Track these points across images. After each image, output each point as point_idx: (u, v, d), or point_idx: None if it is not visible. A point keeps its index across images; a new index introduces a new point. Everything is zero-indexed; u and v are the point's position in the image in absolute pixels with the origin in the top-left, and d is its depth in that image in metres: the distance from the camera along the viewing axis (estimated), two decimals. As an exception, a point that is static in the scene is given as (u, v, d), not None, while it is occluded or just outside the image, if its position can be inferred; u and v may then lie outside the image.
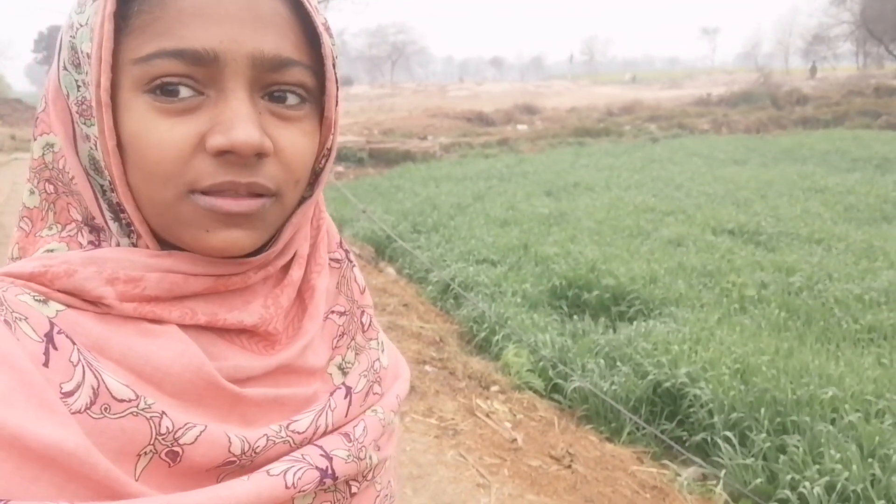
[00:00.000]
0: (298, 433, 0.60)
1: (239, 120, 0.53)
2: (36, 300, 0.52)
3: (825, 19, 58.14)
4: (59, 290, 0.53)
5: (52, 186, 0.60)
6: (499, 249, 7.75)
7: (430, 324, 5.45)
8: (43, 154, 0.60)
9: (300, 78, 0.57)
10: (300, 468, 0.57)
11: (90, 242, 0.59)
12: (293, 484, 0.56)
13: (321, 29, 0.58)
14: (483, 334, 5.46)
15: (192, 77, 0.53)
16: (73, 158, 0.58)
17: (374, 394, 0.70)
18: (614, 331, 5.46)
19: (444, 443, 3.40)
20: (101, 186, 0.57)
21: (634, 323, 5.53)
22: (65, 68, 0.57)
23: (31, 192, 0.62)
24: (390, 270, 7.57)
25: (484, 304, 5.86)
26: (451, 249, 7.93)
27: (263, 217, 0.57)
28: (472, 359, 4.82)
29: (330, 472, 0.59)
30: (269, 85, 0.56)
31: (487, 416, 3.77)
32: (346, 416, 0.65)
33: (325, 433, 0.62)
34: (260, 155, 0.54)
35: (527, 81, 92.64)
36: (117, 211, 0.57)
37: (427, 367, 4.28)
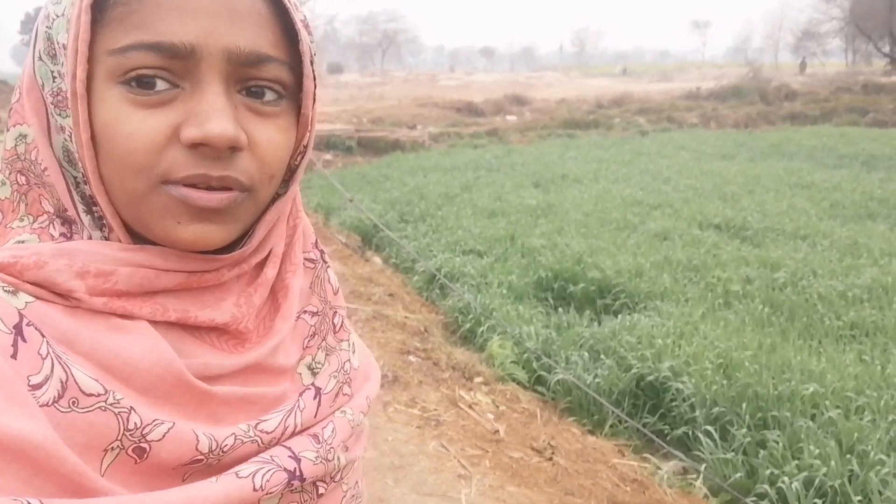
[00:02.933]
0: (267, 433, 0.59)
1: (214, 113, 0.53)
2: (5, 291, 0.52)
3: (815, 15, 58.49)
4: (28, 282, 0.53)
5: (24, 178, 0.59)
6: (485, 240, 7.75)
7: (415, 314, 5.45)
8: (16, 145, 0.59)
9: (277, 74, 0.57)
10: (269, 469, 0.57)
11: (62, 234, 0.58)
12: (261, 486, 0.56)
13: (299, 26, 0.57)
14: (468, 325, 5.47)
15: (167, 70, 0.53)
16: (46, 150, 0.57)
17: (344, 395, 0.70)
18: (599, 324, 5.48)
19: (426, 433, 3.40)
20: (75, 178, 0.57)
21: (619, 316, 5.55)
22: (40, 59, 0.57)
23: (3, 183, 0.61)
24: (377, 260, 7.56)
25: (469, 295, 5.86)
26: (438, 240, 7.93)
27: (235, 212, 0.57)
28: (456, 350, 4.82)
29: (298, 473, 0.59)
30: (245, 80, 0.56)
31: (470, 407, 3.77)
32: (315, 416, 0.65)
33: (293, 434, 0.62)
34: (234, 148, 0.54)
35: (517, 72, 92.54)
36: (90, 203, 0.57)
37: (411, 358, 4.28)
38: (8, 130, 0.60)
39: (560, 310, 5.87)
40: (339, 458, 0.65)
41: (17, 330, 0.49)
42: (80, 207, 0.57)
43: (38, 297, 0.53)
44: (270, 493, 0.56)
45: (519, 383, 4.53)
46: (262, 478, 0.56)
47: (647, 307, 5.72)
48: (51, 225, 0.59)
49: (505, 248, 7.49)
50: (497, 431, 3.54)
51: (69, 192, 0.57)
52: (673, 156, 15.44)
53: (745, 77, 36.26)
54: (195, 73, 0.53)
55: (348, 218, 9.03)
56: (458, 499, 2.92)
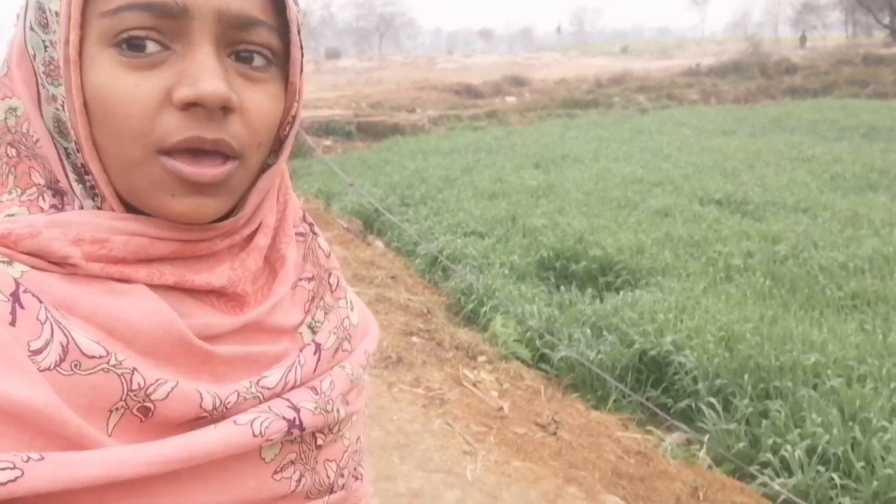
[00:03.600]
0: (268, 388, 0.60)
1: (205, 72, 0.54)
2: (1, 262, 0.52)
3: (815, -12, 57.84)
4: (23, 252, 0.53)
5: (14, 150, 0.60)
6: (487, 222, 7.76)
7: (417, 296, 5.47)
8: (5, 118, 0.60)
9: (266, 39, 0.58)
10: (267, 418, 0.58)
11: (52, 206, 0.58)
12: (260, 433, 0.57)
13: None
14: (471, 306, 5.49)
15: (158, 30, 0.54)
16: (37, 121, 0.58)
17: (344, 350, 0.71)
18: (601, 301, 5.50)
19: (430, 412, 3.43)
20: (66, 149, 0.57)
21: (621, 293, 5.57)
22: (31, 28, 0.57)
23: None
24: (378, 244, 7.58)
25: (472, 276, 5.88)
26: (440, 222, 7.94)
27: (228, 184, 0.58)
28: (459, 330, 4.85)
29: (297, 422, 0.60)
30: (235, 43, 0.57)
31: (474, 385, 3.81)
32: (314, 371, 0.66)
33: (293, 388, 0.63)
34: (226, 109, 0.55)
35: (516, 53, 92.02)
36: (82, 173, 0.57)
37: (414, 339, 4.30)
38: None
39: (562, 288, 5.89)
40: (338, 410, 0.66)
41: (15, 297, 0.50)
42: (72, 178, 0.58)
43: (33, 267, 0.53)
44: (270, 439, 0.58)
45: (522, 361, 4.56)
46: (261, 425, 0.57)
47: (649, 283, 5.74)
48: (40, 197, 0.59)
49: (506, 229, 7.50)
50: (501, 408, 3.57)
51: (61, 162, 0.58)
52: (673, 133, 15.39)
53: (744, 52, 35.97)
54: (186, 33, 0.54)
55: (349, 203, 9.03)
56: (464, 474, 2.95)
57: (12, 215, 0.58)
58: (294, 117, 0.64)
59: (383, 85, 29.42)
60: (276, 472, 0.61)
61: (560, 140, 14.73)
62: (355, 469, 0.75)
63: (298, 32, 0.60)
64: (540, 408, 3.71)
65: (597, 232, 6.98)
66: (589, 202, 8.54)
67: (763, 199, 8.46)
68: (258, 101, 0.58)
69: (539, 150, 13.21)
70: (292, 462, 0.63)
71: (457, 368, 3.97)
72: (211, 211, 0.57)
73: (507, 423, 3.44)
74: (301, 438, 0.64)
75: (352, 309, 0.76)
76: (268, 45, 0.58)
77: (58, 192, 0.59)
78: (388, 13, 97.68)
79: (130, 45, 0.53)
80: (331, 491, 0.68)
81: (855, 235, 6.77)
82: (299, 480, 0.63)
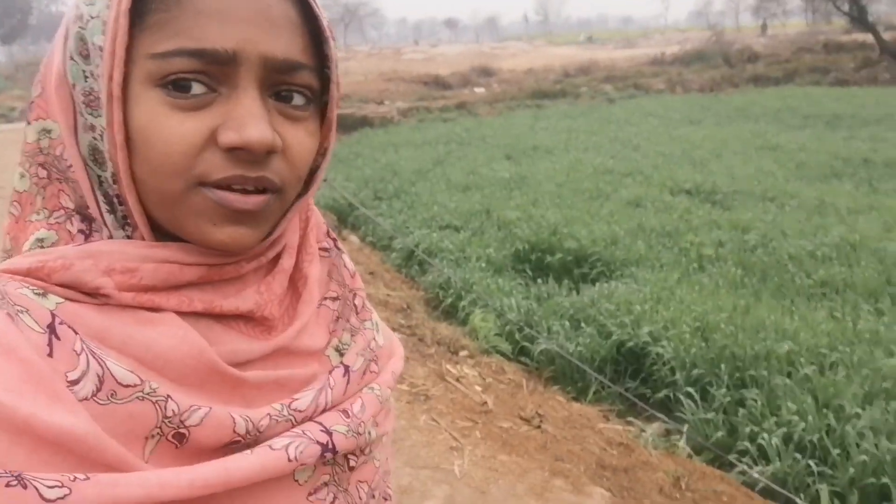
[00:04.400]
0: (300, 411, 0.62)
1: (252, 118, 0.55)
2: (35, 294, 0.53)
3: (775, -24, 58.61)
4: (56, 284, 0.54)
5: (44, 171, 0.60)
6: (461, 215, 7.78)
7: (396, 291, 5.49)
8: (38, 139, 0.60)
9: (308, 80, 0.59)
10: (301, 443, 0.59)
11: (80, 231, 0.59)
12: (295, 457, 0.58)
13: (328, 33, 0.60)
14: (449, 300, 5.52)
15: (205, 74, 0.55)
16: (73, 147, 0.58)
17: (371, 372, 0.73)
18: (578, 293, 5.56)
19: (416, 408, 3.46)
20: (99, 178, 0.58)
21: (597, 284, 5.64)
22: (72, 58, 0.57)
23: (22, 176, 0.62)
24: (354, 238, 7.56)
25: (449, 270, 5.90)
26: (414, 216, 7.94)
27: (267, 214, 0.59)
28: (439, 325, 4.88)
29: (331, 446, 0.62)
30: (277, 84, 0.58)
31: (457, 380, 3.84)
32: (344, 393, 0.67)
33: (324, 411, 0.64)
34: (269, 152, 0.56)
35: (482, 43, 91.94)
36: (114, 203, 0.58)
37: (396, 335, 4.32)
38: (29, 124, 0.61)
39: (539, 281, 5.94)
40: (369, 433, 0.67)
41: (51, 329, 0.51)
42: (104, 207, 0.58)
43: (67, 298, 0.54)
44: (304, 463, 0.59)
45: (503, 355, 4.60)
46: (296, 449, 0.58)
47: (624, 274, 5.82)
48: (68, 221, 0.60)
49: (481, 222, 7.53)
50: (485, 403, 3.61)
51: (92, 190, 0.59)
52: (641, 123, 15.54)
53: (708, 41, 36.41)
54: (233, 78, 0.55)
55: (322, 197, 8.99)
56: (452, 470, 2.98)
57: (41, 239, 0.59)
58: (327, 150, 0.66)
59: (350, 77, 29.23)
60: (310, 494, 0.62)
61: (530, 131, 14.80)
62: (385, 490, 0.77)
63: (336, 68, 0.62)
64: (523, 401, 3.75)
65: (570, 224, 7.04)
66: (561, 193, 8.61)
67: (731, 189, 8.60)
68: (299, 139, 0.59)
69: (510, 141, 13.26)
70: (325, 484, 0.64)
71: (439, 364, 4.00)
72: (250, 240, 0.58)
73: (492, 417, 3.48)
74: (334, 461, 0.65)
75: (377, 330, 0.78)
76: (308, 86, 0.59)
77: (86, 218, 0.60)
78: (352, 3, 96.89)
79: (176, 85, 0.54)
80: None
81: (822, 224, 6.93)
82: (332, 502, 0.64)
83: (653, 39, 64.80)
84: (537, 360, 4.59)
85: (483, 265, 6.17)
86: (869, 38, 28.77)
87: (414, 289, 5.95)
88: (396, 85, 24.06)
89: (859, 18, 28.91)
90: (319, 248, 0.74)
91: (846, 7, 30.28)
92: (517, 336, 4.85)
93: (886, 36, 28.70)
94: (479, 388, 3.81)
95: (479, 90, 24.63)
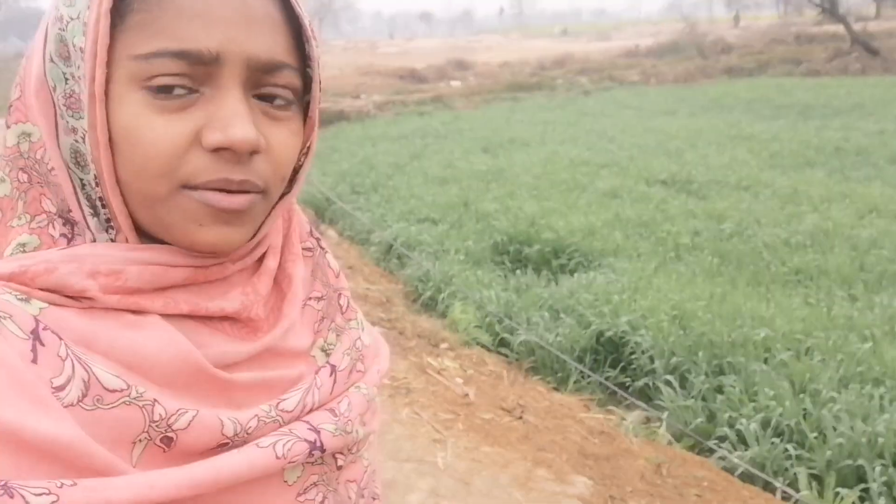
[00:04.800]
0: (287, 412, 0.61)
1: (236, 118, 0.54)
2: (18, 299, 0.52)
3: (747, -32, 59.09)
4: (40, 289, 0.53)
5: (25, 175, 0.59)
6: (439, 208, 7.78)
7: (375, 285, 5.48)
8: (18, 143, 0.59)
9: (290, 80, 0.59)
10: (289, 440, 0.59)
11: (62, 235, 0.58)
12: (283, 455, 0.58)
13: (310, 33, 0.59)
14: (429, 293, 5.52)
15: (189, 76, 0.54)
16: (54, 150, 0.58)
17: (358, 371, 0.72)
18: (556, 283, 5.58)
19: (397, 401, 3.46)
20: (81, 180, 0.57)
21: (575, 275, 5.66)
22: (52, 60, 0.57)
23: (2, 181, 0.61)
24: (332, 233, 7.53)
25: (428, 263, 5.90)
26: (392, 209, 7.92)
27: (252, 214, 0.59)
28: (419, 318, 4.88)
29: (318, 444, 0.61)
30: (260, 85, 0.57)
31: (439, 373, 3.84)
32: (331, 393, 0.67)
33: (311, 410, 0.64)
34: (253, 152, 0.56)
35: (457, 36, 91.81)
36: (98, 206, 0.57)
37: (376, 328, 4.31)
38: (9, 128, 0.60)
39: (518, 272, 5.96)
40: (357, 431, 0.67)
41: (35, 335, 0.50)
42: (87, 210, 0.58)
43: (50, 303, 0.53)
44: (292, 461, 0.59)
45: (484, 347, 4.62)
46: (284, 447, 0.58)
47: (602, 265, 5.85)
48: (50, 225, 0.59)
49: (459, 215, 7.53)
50: (467, 395, 3.62)
51: (75, 193, 0.58)
52: (616, 114, 15.63)
53: (681, 33, 36.68)
54: (216, 78, 0.55)
55: (299, 192, 8.92)
56: (435, 462, 2.99)
57: (23, 244, 0.58)
58: (309, 148, 0.65)
59: (326, 70, 28.85)
60: (299, 495, 0.62)
61: (507, 124, 14.82)
62: (373, 489, 0.77)
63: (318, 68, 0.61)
64: (504, 392, 3.77)
65: (548, 215, 7.07)
66: (539, 185, 8.63)
67: (706, 179, 8.68)
68: (282, 138, 0.59)
69: (486, 134, 13.27)
70: (315, 484, 0.64)
71: (420, 357, 4.00)
72: (237, 239, 0.58)
73: (474, 409, 3.49)
74: (322, 460, 0.65)
75: (363, 329, 0.77)
76: (291, 86, 0.59)
77: (68, 222, 0.59)
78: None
79: (160, 87, 0.54)
80: None
81: (795, 212, 7.02)
82: (322, 502, 0.64)
83: (627, 32, 65.17)
84: (517, 352, 4.61)
85: (462, 258, 6.17)
86: (840, 29, 29.13)
87: (393, 282, 5.95)
88: (372, 79, 23.98)
89: (830, 10, 29.25)
90: (303, 248, 0.73)
91: (817, -1, 30.67)
92: (497, 328, 4.86)
93: (857, 27, 29.08)
94: (460, 381, 3.82)
95: (455, 83, 24.62)
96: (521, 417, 3.47)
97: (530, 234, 6.55)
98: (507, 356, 4.60)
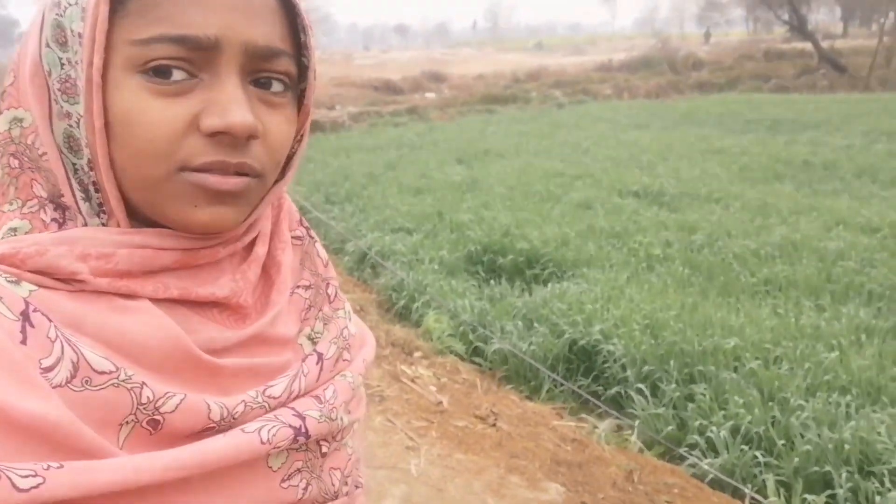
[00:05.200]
0: (274, 398, 0.62)
1: (234, 103, 0.55)
2: (8, 281, 0.53)
3: (718, -15, 60.14)
4: (30, 271, 0.54)
5: (16, 161, 0.60)
6: (414, 218, 7.78)
7: (349, 294, 5.46)
8: (10, 128, 0.60)
9: (286, 67, 0.60)
10: (274, 426, 0.60)
11: (53, 220, 0.59)
12: (268, 440, 0.59)
13: (306, 23, 0.61)
14: (403, 302, 5.51)
15: (187, 60, 0.55)
16: (47, 135, 0.58)
17: (344, 360, 0.73)
18: (530, 293, 5.60)
19: (371, 409, 3.45)
20: (74, 165, 0.58)
21: (549, 285, 5.69)
22: (48, 45, 0.57)
23: None
24: (305, 242, 7.49)
25: (402, 273, 5.90)
26: (366, 219, 7.91)
27: (248, 196, 0.60)
28: (393, 326, 4.88)
29: (303, 430, 0.62)
30: (257, 71, 0.59)
31: (412, 381, 3.84)
32: (317, 380, 0.68)
33: (297, 397, 0.65)
34: (250, 137, 0.57)
35: (432, 49, 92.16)
36: (90, 190, 0.58)
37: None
38: (0, 113, 0.61)
39: (492, 282, 5.98)
40: (341, 419, 0.68)
41: (25, 316, 0.51)
42: (79, 195, 0.58)
43: (40, 286, 0.54)
44: (277, 447, 0.60)
45: (457, 355, 4.62)
46: (269, 432, 0.59)
47: (575, 275, 5.89)
48: (41, 210, 0.59)
49: (434, 225, 7.54)
50: (440, 403, 3.62)
51: (68, 178, 0.58)
52: (590, 127, 15.77)
53: (654, 48, 37.18)
54: (215, 64, 0.56)
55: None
56: (408, 469, 2.99)
57: (14, 229, 0.58)
58: (303, 136, 0.67)
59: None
60: (283, 481, 0.63)
61: (481, 135, 14.88)
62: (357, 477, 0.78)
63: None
64: (478, 400, 3.78)
65: (522, 225, 7.10)
66: (513, 196, 8.67)
67: (678, 191, 8.78)
68: (278, 124, 0.60)
69: (461, 145, 13.31)
70: (299, 470, 0.64)
71: (394, 365, 4.00)
72: (231, 220, 0.59)
73: (448, 416, 3.49)
74: (307, 447, 0.65)
75: (350, 319, 0.78)
76: (287, 73, 0.60)
77: (59, 207, 0.60)
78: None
79: (157, 71, 0.54)
80: (335, 498, 0.69)
81: (765, 224, 7.12)
82: (306, 488, 0.65)
83: (600, 46, 65.89)
84: (491, 360, 4.62)
85: (436, 267, 6.17)
86: (808, 46, 29.74)
87: (367, 291, 5.94)
88: (347, 90, 23.96)
89: (799, 28, 29.86)
90: (292, 237, 0.74)
91: (786, 16, 31.27)
92: (471, 336, 4.87)
93: (825, 45, 29.70)
94: (434, 389, 3.82)
95: (431, 95, 24.69)
96: (494, 425, 3.48)
97: (504, 245, 6.58)
98: (480, 365, 4.61)
